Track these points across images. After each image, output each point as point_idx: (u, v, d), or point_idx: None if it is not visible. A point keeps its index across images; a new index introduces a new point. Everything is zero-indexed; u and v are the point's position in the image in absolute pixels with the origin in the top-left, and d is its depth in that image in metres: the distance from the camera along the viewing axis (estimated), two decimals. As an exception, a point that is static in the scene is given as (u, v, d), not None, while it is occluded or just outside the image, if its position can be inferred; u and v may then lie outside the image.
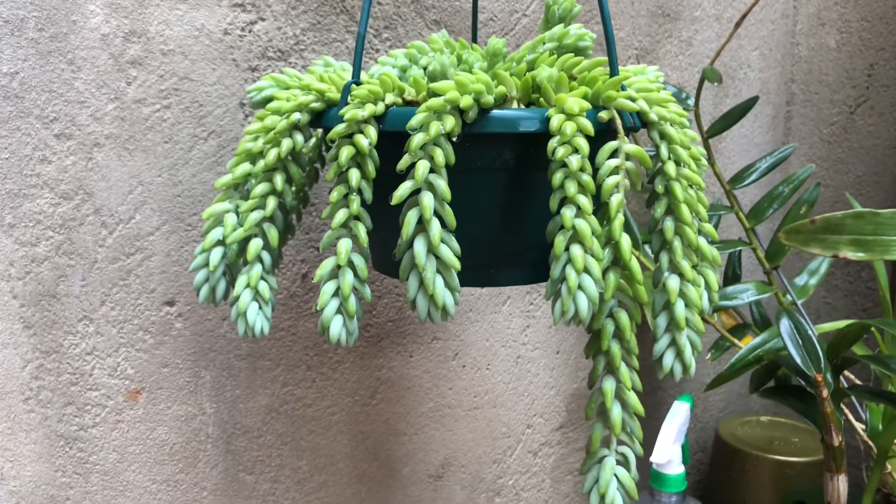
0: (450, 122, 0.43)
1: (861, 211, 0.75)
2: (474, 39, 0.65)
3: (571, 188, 0.43)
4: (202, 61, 0.61)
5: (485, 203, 0.48)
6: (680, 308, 0.49)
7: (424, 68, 0.55)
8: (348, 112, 0.45)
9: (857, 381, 0.94)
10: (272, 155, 0.49)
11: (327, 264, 0.45)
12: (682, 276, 0.49)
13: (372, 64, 0.58)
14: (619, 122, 0.47)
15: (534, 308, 0.89)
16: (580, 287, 0.43)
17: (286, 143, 0.49)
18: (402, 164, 0.43)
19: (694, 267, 0.51)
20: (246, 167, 0.51)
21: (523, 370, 0.90)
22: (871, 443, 0.89)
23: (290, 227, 0.55)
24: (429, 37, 0.59)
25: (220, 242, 0.51)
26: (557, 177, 0.44)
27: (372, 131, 0.45)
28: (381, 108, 0.46)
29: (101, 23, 0.56)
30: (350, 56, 0.69)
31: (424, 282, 0.42)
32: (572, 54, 0.52)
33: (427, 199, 0.42)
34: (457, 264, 0.43)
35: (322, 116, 0.50)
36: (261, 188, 0.50)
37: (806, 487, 1.07)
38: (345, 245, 0.45)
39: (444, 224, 0.43)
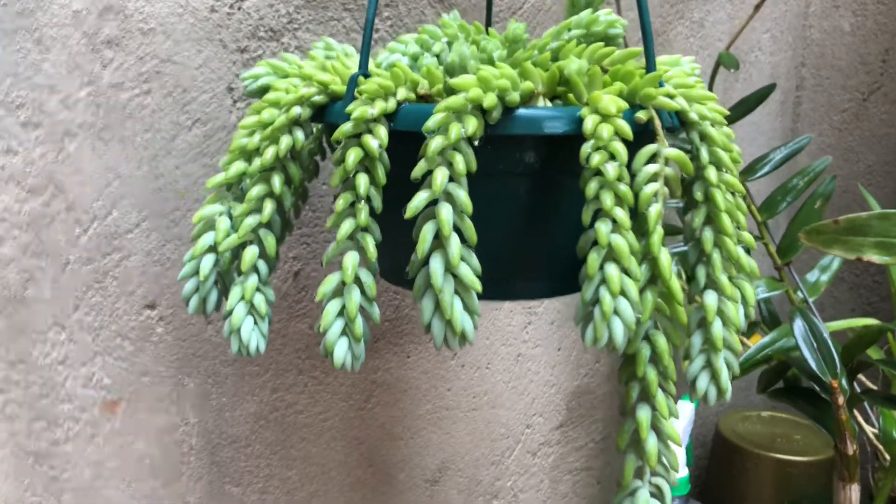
0: (472, 124, 0.38)
1: (887, 212, 0.71)
2: (488, 23, 0.59)
3: (607, 200, 0.38)
4: (186, 41, 0.55)
5: (505, 210, 0.43)
6: (717, 327, 0.45)
7: (437, 55, 0.49)
8: (357, 110, 0.40)
9: (868, 383, 0.91)
10: (270, 153, 0.44)
11: (331, 280, 0.40)
12: (720, 291, 0.45)
13: (378, 50, 0.53)
14: (658, 123, 0.42)
15: (536, 304, 0.84)
16: (616, 311, 0.38)
17: (285, 141, 0.44)
18: (417, 171, 0.38)
19: (730, 279, 0.46)
20: (240, 166, 0.46)
21: (524, 369, 0.86)
22: (882, 448, 0.85)
23: (288, 225, 0.49)
24: (440, 19, 0.54)
25: (212, 249, 0.46)
26: (591, 186, 0.39)
27: (382, 131, 0.40)
28: (392, 104, 0.40)
29: (74, -3, 0.50)
30: (348, 36, 0.64)
31: (441, 305, 0.37)
32: (602, 43, 0.46)
33: (445, 211, 0.37)
34: (477, 285, 0.38)
35: (325, 111, 0.44)
36: (257, 190, 0.44)
37: (808, 487, 1.04)
38: (351, 260, 0.40)
39: (463, 239, 0.38)
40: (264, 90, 0.49)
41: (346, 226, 0.40)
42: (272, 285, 0.63)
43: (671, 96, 0.43)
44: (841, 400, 0.76)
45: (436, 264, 0.37)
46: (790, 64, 1.19)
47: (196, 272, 0.46)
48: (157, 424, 0.58)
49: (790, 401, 0.89)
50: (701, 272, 0.45)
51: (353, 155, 0.39)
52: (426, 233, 0.37)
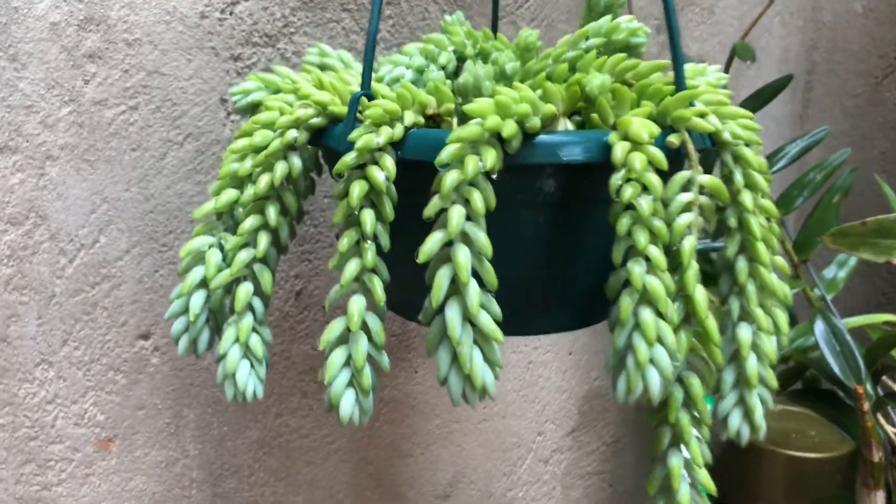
0: (490, 157, 0.34)
1: (919, 214, 0.68)
2: (495, 23, 0.55)
3: (641, 238, 0.35)
4: (175, 51, 0.51)
5: (522, 242, 0.40)
6: (752, 363, 0.42)
7: (443, 67, 0.46)
8: (361, 139, 0.36)
9: (891, 384, 0.88)
10: (263, 182, 0.40)
11: (335, 327, 0.37)
12: (755, 324, 0.42)
13: (377, 55, 0.49)
14: (691, 147, 0.38)
15: (547, 310, 0.81)
16: (651, 361, 0.35)
17: (280, 168, 0.40)
18: (430, 210, 0.34)
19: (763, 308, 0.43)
20: (231, 194, 0.42)
21: (534, 375, 0.83)
22: (905, 452, 0.83)
23: (283, 249, 0.46)
24: (444, 23, 0.50)
25: (202, 284, 0.42)
26: (623, 222, 0.35)
27: (389, 161, 0.36)
28: (399, 131, 0.37)
29: (50, 9, 0.46)
30: (348, 38, 0.60)
31: (459, 358, 0.34)
32: (624, 55, 0.43)
33: (462, 255, 0.34)
34: (499, 335, 0.35)
35: (323, 133, 0.41)
36: (250, 222, 0.41)
37: (824, 485, 1.01)
38: (357, 304, 0.36)
39: (482, 283, 0.35)
40: (255, 107, 0.46)
41: (352, 267, 0.36)
42: (272, 306, 0.59)
43: (703, 115, 0.39)
44: (866, 406, 0.73)
45: (452, 313, 0.34)
46: (801, 48, 1.15)
47: (185, 310, 0.42)
48: (156, 459, 0.55)
49: (810, 403, 0.86)
50: (734, 304, 0.42)
51: (358, 189, 0.36)
52: (441, 278, 0.34)
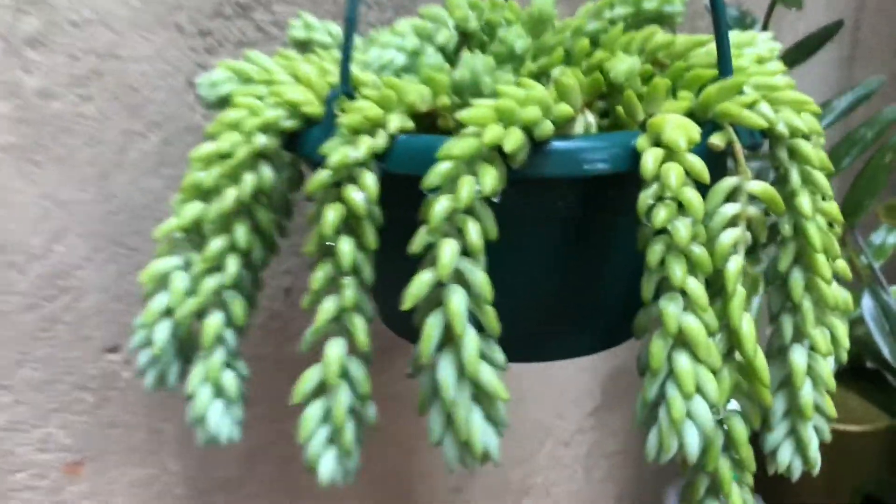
0: (490, 178, 0.27)
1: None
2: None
3: (678, 270, 0.28)
4: (132, 30, 0.44)
5: (528, 262, 0.33)
6: (807, 392, 0.35)
7: (442, 49, 0.39)
8: (335, 153, 0.29)
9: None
10: (230, 197, 0.34)
11: (310, 377, 0.31)
12: (811, 346, 0.35)
13: (370, 35, 0.41)
14: (738, 148, 0.31)
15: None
16: (689, 415, 0.29)
17: (249, 180, 0.34)
18: (418, 245, 0.28)
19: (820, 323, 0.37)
20: (196, 208, 0.36)
21: (553, 357, 0.77)
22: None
23: (273, 248, 0.39)
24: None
25: (168, 313, 0.36)
26: (655, 251, 0.29)
27: (370, 179, 0.30)
28: (382, 140, 0.30)
29: (-22, -13, 0.39)
30: (335, 3, 0.52)
31: (454, 422, 0.28)
32: (656, 27, 0.36)
33: (456, 300, 0.27)
34: (503, 393, 0.28)
35: (298, 138, 0.34)
36: (216, 244, 0.35)
37: (867, 461, 0.96)
38: (336, 350, 0.30)
39: (481, 327, 0.29)
40: (225, 101, 0.39)
41: (328, 307, 0.30)
42: (260, 305, 0.54)
43: (753, 104, 0.32)
44: (917, 393, 0.67)
45: (445, 370, 0.28)
46: (846, -16, 1.05)
47: (149, 342, 0.36)
48: (133, 478, 0.50)
49: (853, 383, 0.80)
50: (787, 323, 0.35)
51: (332, 214, 0.29)
52: (431, 328, 0.28)
